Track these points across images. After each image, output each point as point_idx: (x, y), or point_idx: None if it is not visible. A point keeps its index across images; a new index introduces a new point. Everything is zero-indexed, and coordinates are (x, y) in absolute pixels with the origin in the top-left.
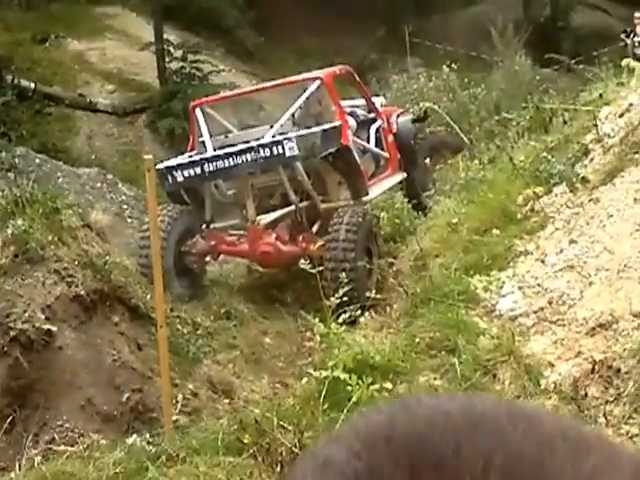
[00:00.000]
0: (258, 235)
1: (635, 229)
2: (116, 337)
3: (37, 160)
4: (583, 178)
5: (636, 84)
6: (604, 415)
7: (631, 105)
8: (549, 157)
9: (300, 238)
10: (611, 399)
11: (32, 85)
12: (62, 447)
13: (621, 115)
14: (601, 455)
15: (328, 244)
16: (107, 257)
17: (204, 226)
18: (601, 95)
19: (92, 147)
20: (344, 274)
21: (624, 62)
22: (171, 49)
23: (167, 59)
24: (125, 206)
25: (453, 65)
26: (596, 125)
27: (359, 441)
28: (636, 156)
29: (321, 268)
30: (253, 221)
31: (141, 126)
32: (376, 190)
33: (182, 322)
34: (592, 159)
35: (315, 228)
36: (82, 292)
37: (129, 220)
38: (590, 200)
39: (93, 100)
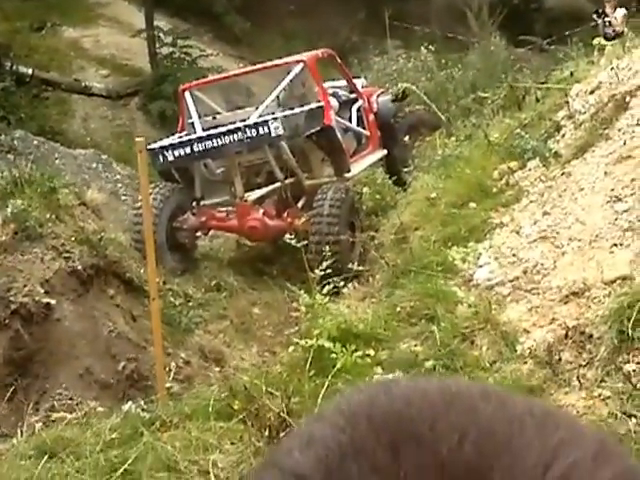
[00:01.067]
0: (246, 211)
1: (605, 201)
2: (112, 309)
3: (35, 142)
4: (555, 153)
5: (605, 62)
6: (577, 379)
7: (601, 83)
8: (523, 133)
9: (286, 213)
10: (584, 363)
11: (30, 71)
12: (61, 414)
13: (591, 92)
14: (567, 431)
15: (313, 219)
16: (102, 233)
17: (194, 203)
18: (572, 73)
19: (87, 129)
20: (328, 247)
21: (595, 41)
22: (161, 35)
23: (158, 45)
24: (119, 185)
25: (431, 46)
26: (567, 102)
27: (342, 418)
28: (606, 131)
29: (306, 242)
30: (241, 198)
31: (134, 108)
32: (358, 167)
33: (174, 294)
34: (564, 135)
35: (300, 204)
36: (79, 267)
37: (123, 198)
38: (562, 174)
39: (88, 84)
